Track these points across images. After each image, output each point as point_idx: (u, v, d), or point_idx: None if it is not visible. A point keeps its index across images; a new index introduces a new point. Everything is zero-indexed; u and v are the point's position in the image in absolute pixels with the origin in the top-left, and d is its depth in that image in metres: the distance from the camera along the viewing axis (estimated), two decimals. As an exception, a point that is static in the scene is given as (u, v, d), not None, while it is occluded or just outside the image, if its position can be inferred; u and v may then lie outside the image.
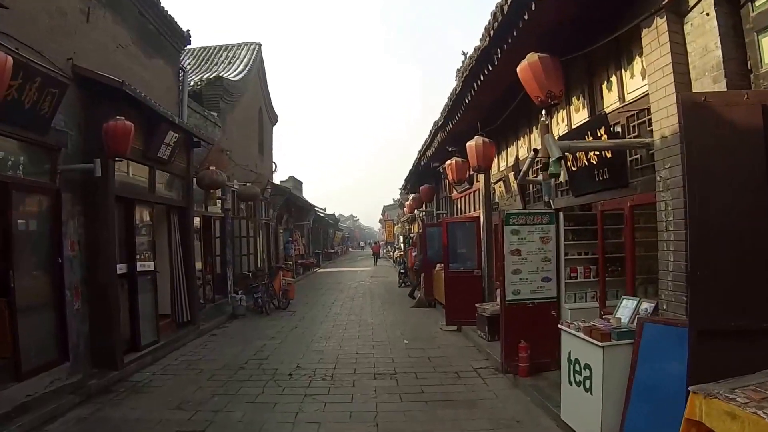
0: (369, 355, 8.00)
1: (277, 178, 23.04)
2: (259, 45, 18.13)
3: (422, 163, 13.39)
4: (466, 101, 7.38)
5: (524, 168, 6.80)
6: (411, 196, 18.31)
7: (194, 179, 10.51)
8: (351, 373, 6.92)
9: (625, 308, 4.70)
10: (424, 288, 12.92)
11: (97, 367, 6.90)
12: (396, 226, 40.81)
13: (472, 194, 11.16)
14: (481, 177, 9.73)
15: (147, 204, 8.55)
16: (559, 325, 5.00)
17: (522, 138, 7.97)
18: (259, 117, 18.65)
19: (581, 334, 4.49)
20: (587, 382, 4.37)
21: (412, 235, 20.14)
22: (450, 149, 10.26)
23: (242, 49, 17.69)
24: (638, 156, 4.85)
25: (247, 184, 13.39)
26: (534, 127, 7.46)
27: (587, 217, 6.68)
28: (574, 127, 6.13)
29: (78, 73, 6.89)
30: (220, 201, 13.01)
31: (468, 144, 7.84)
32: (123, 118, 6.67)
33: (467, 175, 10.15)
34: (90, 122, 6.98)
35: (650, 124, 4.48)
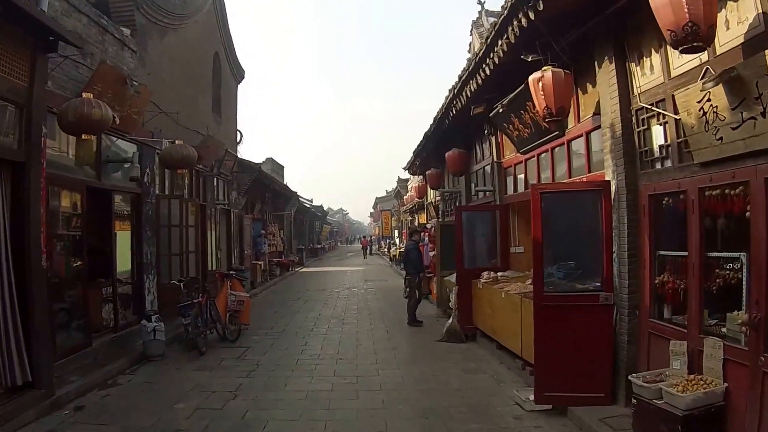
0: None
1: (250, 155, 18.01)
2: (216, -37, 13.06)
3: (452, 112, 8.43)
4: None
5: None
6: (426, 174, 13.40)
7: (50, 114, 5.52)
8: None
9: None
10: (459, 311, 7.97)
11: None
12: (393, 219, 35.86)
13: (560, 149, 6.25)
14: (608, 107, 4.84)
15: None
16: None
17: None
18: (215, 65, 13.55)
19: None
20: None
21: (429, 226, 15.11)
22: (531, 58, 5.40)
23: (190, -35, 12.57)
24: None
25: (177, 143, 8.35)
26: None
27: None
28: None
29: None
30: (126, 165, 8.03)
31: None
32: None
33: (568, 106, 5.28)
34: None
35: None
